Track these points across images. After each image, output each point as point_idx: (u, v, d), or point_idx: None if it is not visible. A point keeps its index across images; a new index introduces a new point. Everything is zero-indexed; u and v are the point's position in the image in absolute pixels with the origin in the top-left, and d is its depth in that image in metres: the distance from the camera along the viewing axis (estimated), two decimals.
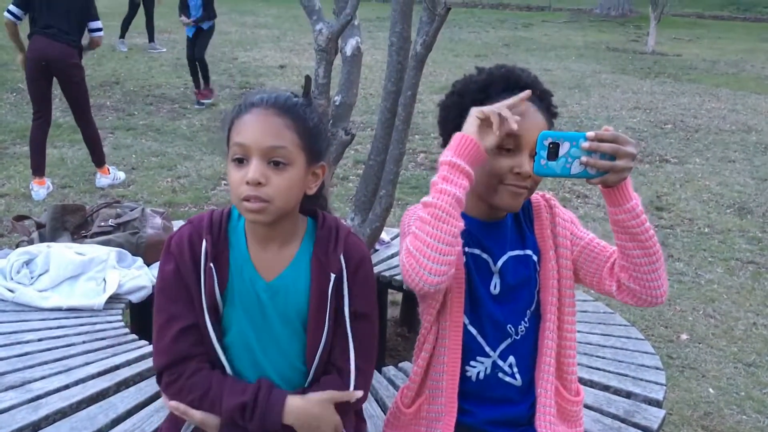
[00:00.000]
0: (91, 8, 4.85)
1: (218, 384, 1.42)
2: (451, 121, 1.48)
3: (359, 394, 1.45)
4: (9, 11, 4.69)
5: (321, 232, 1.48)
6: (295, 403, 1.41)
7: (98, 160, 5.23)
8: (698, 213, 5.45)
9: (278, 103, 1.39)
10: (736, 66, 12.58)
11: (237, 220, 1.48)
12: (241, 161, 1.36)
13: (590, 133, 1.31)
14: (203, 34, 8.02)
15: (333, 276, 1.44)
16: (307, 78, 2.66)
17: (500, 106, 1.37)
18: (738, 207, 5.61)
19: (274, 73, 10.02)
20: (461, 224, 1.35)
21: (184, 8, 7.98)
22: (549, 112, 1.49)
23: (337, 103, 2.75)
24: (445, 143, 1.56)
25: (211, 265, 1.42)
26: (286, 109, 1.39)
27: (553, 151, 1.32)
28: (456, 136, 1.37)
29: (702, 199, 5.75)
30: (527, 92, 1.42)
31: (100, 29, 4.92)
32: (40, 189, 4.92)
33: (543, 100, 1.49)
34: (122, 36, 10.87)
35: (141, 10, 10.73)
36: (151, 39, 11.04)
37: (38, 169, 4.94)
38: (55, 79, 4.95)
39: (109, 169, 5.31)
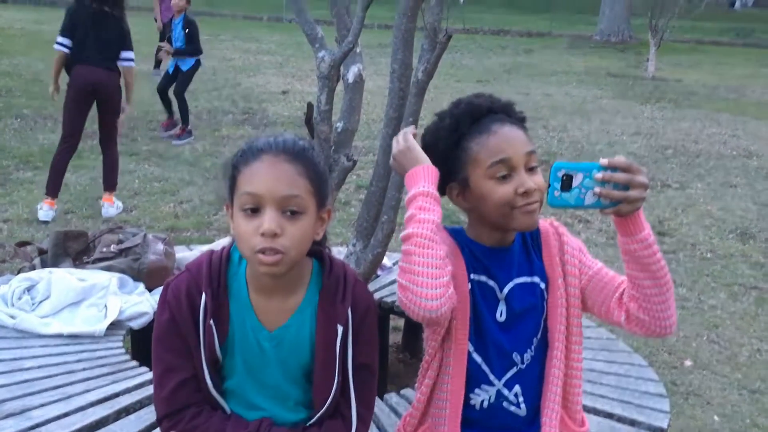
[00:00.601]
0: (126, 39, 5.10)
1: (220, 423, 1.41)
2: (439, 170, 1.45)
3: None
4: (59, 43, 5.01)
5: (328, 280, 1.44)
6: None
7: (110, 185, 5.30)
8: (700, 238, 5.44)
9: (288, 148, 1.35)
10: (736, 91, 12.64)
11: (237, 265, 1.44)
12: (252, 211, 1.32)
13: (604, 161, 1.32)
14: (184, 72, 7.69)
15: (340, 329, 1.41)
16: (310, 105, 2.69)
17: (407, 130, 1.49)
18: (740, 232, 5.60)
19: (277, 98, 10.07)
20: (445, 248, 1.37)
21: (167, 39, 7.82)
22: (521, 121, 1.51)
23: (339, 130, 2.76)
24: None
25: (211, 322, 1.39)
26: (296, 154, 1.35)
27: (567, 183, 1.32)
28: (418, 170, 1.41)
29: (704, 224, 5.74)
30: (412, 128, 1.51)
31: (129, 59, 5.13)
32: (49, 210, 5.01)
33: (510, 114, 1.51)
34: (156, 66, 10.35)
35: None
36: (156, 66, 10.84)
37: (53, 190, 5.08)
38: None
39: (113, 199, 5.30)
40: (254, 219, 1.31)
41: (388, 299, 2.84)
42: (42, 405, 1.92)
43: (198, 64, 7.83)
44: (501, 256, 1.53)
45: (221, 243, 3.17)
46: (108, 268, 2.69)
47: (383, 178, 2.69)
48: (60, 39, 5.00)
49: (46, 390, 2.00)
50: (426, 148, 1.49)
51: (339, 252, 2.88)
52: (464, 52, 15.84)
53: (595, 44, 18.90)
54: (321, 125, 2.62)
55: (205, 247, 3.15)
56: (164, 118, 8.05)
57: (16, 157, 6.54)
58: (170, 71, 7.80)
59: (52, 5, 22.89)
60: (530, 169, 1.44)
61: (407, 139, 1.47)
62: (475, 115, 1.48)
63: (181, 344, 1.40)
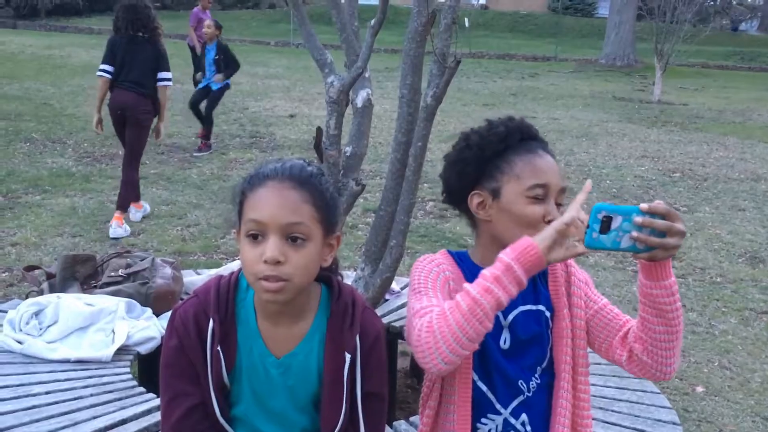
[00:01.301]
0: (162, 61, 5.43)
1: None
2: (469, 174, 1.49)
3: None
4: (103, 70, 5.33)
5: (336, 307, 1.42)
6: None
7: (122, 204, 5.46)
8: (710, 262, 5.40)
9: (293, 174, 1.34)
10: (742, 115, 12.65)
11: (245, 292, 1.43)
12: (256, 237, 1.31)
13: (644, 205, 1.29)
14: (214, 91, 8.21)
15: (348, 357, 1.40)
16: (319, 129, 2.70)
17: (575, 214, 1.30)
18: (750, 256, 5.57)
19: (284, 122, 10.13)
20: (491, 326, 1.31)
21: (199, 66, 8.29)
22: (554, 156, 1.52)
23: (347, 154, 2.76)
24: (451, 198, 1.56)
25: (219, 348, 1.38)
26: (302, 181, 1.34)
27: (606, 225, 1.30)
28: (524, 242, 1.31)
29: (713, 248, 5.71)
30: (589, 184, 1.37)
31: (166, 79, 5.46)
32: (137, 212, 5.57)
33: (548, 147, 1.53)
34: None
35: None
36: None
37: (135, 196, 5.53)
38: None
39: (123, 220, 5.39)
40: (258, 246, 1.30)
41: (397, 324, 2.82)
42: (49, 431, 1.90)
43: (227, 86, 8.32)
44: None
45: (230, 267, 3.17)
46: (116, 293, 2.69)
47: (392, 203, 2.69)
48: (102, 66, 5.33)
49: (53, 416, 1.98)
50: (469, 147, 1.50)
51: (347, 276, 2.87)
52: (470, 76, 15.93)
53: (601, 68, 18.99)
54: (330, 150, 2.62)
55: (213, 271, 3.14)
56: (170, 142, 8.11)
57: (25, 180, 6.57)
58: (201, 87, 8.29)
59: (62, 30, 23.22)
60: (558, 204, 1.46)
61: (559, 221, 1.33)
62: (525, 135, 1.50)
63: (189, 370, 1.39)
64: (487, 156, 1.48)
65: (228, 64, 8.17)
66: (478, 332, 1.30)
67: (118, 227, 5.29)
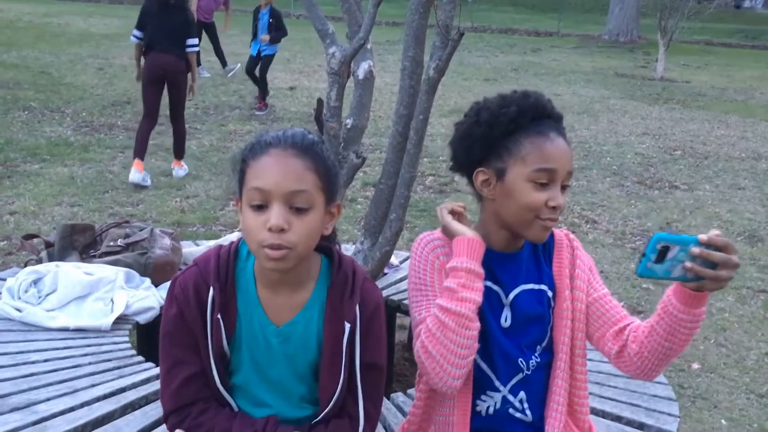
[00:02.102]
0: (190, 27, 5.95)
1: (227, 421, 1.40)
2: (476, 151, 1.48)
3: None
4: (134, 35, 5.89)
5: (337, 277, 1.42)
6: None
7: (179, 152, 6.14)
8: None
9: (296, 142, 1.34)
10: (745, 93, 12.58)
11: (245, 261, 1.43)
12: (260, 207, 1.30)
13: (702, 237, 1.27)
14: (265, 56, 8.87)
15: (348, 326, 1.40)
16: (319, 101, 2.68)
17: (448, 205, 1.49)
18: (748, 235, 5.57)
19: (284, 94, 10.06)
20: (478, 325, 1.38)
21: (256, 29, 8.91)
22: (568, 142, 1.49)
23: (348, 127, 2.74)
24: (457, 169, 1.55)
25: (219, 316, 1.38)
26: (305, 149, 1.33)
27: (662, 254, 1.27)
28: (462, 241, 1.41)
29: (712, 227, 5.70)
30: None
31: (193, 45, 5.92)
32: (137, 173, 5.73)
33: (564, 131, 1.50)
34: (224, 64, 11.16)
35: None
36: (223, 64, 11.17)
37: (140, 153, 5.85)
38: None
39: (183, 164, 6.15)
40: (262, 214, 1.30)
41: (395, 297, 2.82)
42: (47, 399, 1.91)
43: (276, 51, 9.12)
44: (508, 261, 1.51)
45: (229, 238, 3.17)
46: (114, 263, 2.68)
47: (392, 176, 2.68)
48: (135, 32, 5.86)
49: (51, 384, 1.99)
50: (478, 124, 1.47)
51: (346, 249, 2.87)
52: (472, 50, 15.81)
53: (604, 44, 18.84)
54: (330, 122, 2.60)
55: (212, 243, 3.14)
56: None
57: (24, 149, 6.54)
58: (254, 54, 8.98)
59: None
60: (563, 187, 1.45)
61: (443, 217, 1.48)
62: (538, 114, 1.46)
63: (188, 339, 1.39)
64: (495, 136, 1.45)
65: (279, 28, 8.86)
66: (473, 337, 1.36)
67: (179, 170, 6.09)
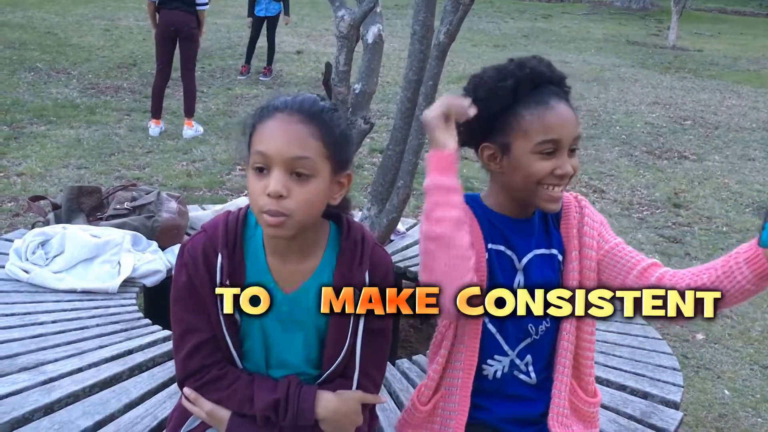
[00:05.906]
0: None
1: (247, 383, 1.40)
2: (478, 129, 1.43)
3: (384, 400, 1.44)
4: None
5: (346, 243, 1.41)
6: (327, 397, 1.40)
7: (189, 111, 6.24)
8: (716, 211, 5.38)
9: (303, 108, 1.31)
10: (757, 63, 12.42)
11: (254, 228, 1.41)
12: (262, 170, 1.29)
13: None
14: (271, 18, 8.71)
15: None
16: (328, 65, 2.65)
17: (446, 99, 1.37)
18: (757, 206, 5.54)
19: (291, 59, 9.98)
20: (465, 238, 1.32)
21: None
22: (571, 104, 1.46)
23: (357, 91, 2.71)
24: (463, 141, 1.49)
25: (228, 283, 1.37)
26: (312, 115, 1.31)
27: None
28: (431, 157, 1.34)
29: (720, 198, 5.68)
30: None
31: (204, 3, 6.20)
32: (155, 127, 6.16)
33: (568, 93, 1.47)
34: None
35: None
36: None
37: (157, 112, 6.23)
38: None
39: (193, 123, 6.22)
40: (263, 178, 1.29)
41: (401, 264, 2.82)
42: (56, 360, 1.92)
43: (281, 11, 8.88)
44: (521, 226, 1.50)
45: (236, 203, 3.16)
46: (121, 225, 2.68)
47: (400, 143, 2.66)
48: None
49: (59, 345, 2.00)
50: (476, 100, 1.41)
51: (353, 216, 2.86)
52: (482, 16, 15.61)
53: (616, 11, 18.58)
54: (339, 86, 2.57)
55: (218, 207, 3.13)
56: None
57: (30, 111, 6.52)
58: (258, 16, 8.74)
59: None
60: (571, 150, 1.42)
61: (428, 122, 1.37)
62: (536, 82, 1.43)
63: (199, 305, 1.39)
64: (494, 112, 1.42)
65: None
66: (457, 256, 1.30)
67: (188, 129, 6.16)
